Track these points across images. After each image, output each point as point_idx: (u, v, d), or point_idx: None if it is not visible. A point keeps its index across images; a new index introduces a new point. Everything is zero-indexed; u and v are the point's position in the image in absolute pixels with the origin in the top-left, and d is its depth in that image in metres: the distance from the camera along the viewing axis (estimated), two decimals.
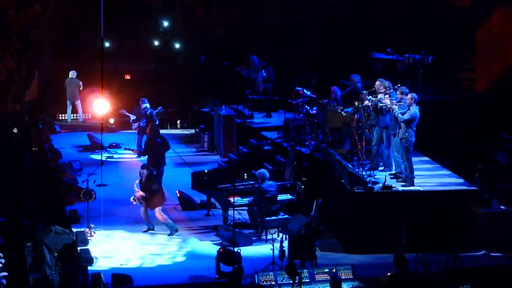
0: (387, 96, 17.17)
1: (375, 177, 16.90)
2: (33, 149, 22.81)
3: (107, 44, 27.82)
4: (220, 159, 22.96)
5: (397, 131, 16.68)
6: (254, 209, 16.99)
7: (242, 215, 18.01)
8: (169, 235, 17.14)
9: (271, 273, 13.36)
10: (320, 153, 18.76)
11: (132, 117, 23.45)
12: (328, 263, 14.62)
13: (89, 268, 14.73)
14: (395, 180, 16.95)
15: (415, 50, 21.94)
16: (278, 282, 13.11)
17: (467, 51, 23.70)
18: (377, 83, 17.66)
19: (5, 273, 12.95)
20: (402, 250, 13.26)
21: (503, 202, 17.23)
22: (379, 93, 17.37)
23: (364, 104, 17.31)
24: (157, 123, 22.40)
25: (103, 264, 15.46)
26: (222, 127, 23.40)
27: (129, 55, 29.60)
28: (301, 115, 20.66)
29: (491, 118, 20.75)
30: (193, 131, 27.15)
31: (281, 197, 17.24)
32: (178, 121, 28.43)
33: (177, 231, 17.26)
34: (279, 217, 16.80)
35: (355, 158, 17.70)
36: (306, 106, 20.36)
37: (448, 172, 17.75)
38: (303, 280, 12.87)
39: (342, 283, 12.74)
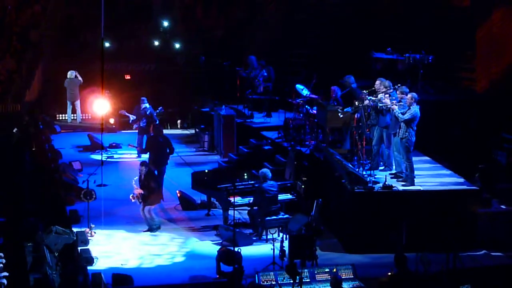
0: (387, 95, 17.18)
1: (376, 176, 16.91)
2: (33, 149, 22.80)
3: (107, 44, 27.82)
4: (220, 159, 22.97)
5: (398, 130, 16.68)
6: (255, 209, 16.99)
7: (242, 215, 18.02)
8: (145, 231, 17.17)
9: (271, 273, 13.36)
10: (320, 152, 18.76)
11: (132, 117, 23.45)
12: (329, 263, 14.61)
13: (90, 268, 14.74)
14: (395, 179, 16.96)
15: (415, 50, 21.95)
16: (279, 282, 13.12)
17: (467, 51, 23.70)
18: (377, 82, 17.67)
19: (5, 273, 12.96)
20: (403, 250, 13.26)
21: (503, 202, 17.24)
22: (380, 93, 17.37)
23: (364, 103, 17.32)
24: (157, 123, 22.41)
25: (104, 264, 15.46)
26: (222, 127, 23.41)
27: (129, 55, 29.59)
28: (301, 114, 20.66)
29: (491, 118, 20.76)
30: (193, 131, 27.15)
31: (281, 197, 17.24)
32: (178, 121, 28.41)
33: (159, 228, 17.28)
34: (280, 217, 16.80)
35: (355, 157, 17.71)
36: (306, 106, 20.36)
37: (449, 172, 17.75)
38: (303, 280, 12.86)
39: (343, 283, 12.74)
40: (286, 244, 14.73)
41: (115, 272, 14.36)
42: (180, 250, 16.49)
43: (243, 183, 17.67)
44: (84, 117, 27.98)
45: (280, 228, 16.78)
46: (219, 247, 15.56)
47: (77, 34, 29.77)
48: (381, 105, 17.07)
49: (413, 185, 16.61)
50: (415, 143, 16.67)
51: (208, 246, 16.57)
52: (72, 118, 27.78)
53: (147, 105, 22.87)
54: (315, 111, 19.96)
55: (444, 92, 22.50)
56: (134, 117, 23.25)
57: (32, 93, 28.09)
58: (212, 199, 18.67)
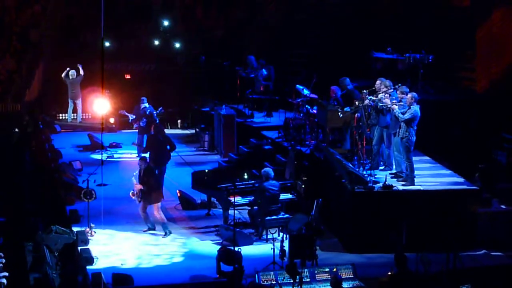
0: (387, 95, 17.18)
1: (376, 176, 16.91)
2: (33, 149, 22.81)
3: (107, 44, 27.84)
4: (221, 159, 22.97)
5: (398, 130, 16.68)
6: (255, 208, 16.99)
7: (242, 214, 18.02)
8: (164, 236, 17.12)
9: (271, 273, 13.36)
10: (320, 152, 18.76)
11: (131, 117, 23.44)
12: (329, 262, 14.62)
13: (90, 267, 14.74)
14: (395, 179, 16.96)
15: (416, 49, 21.96)
16: (279, 282, 13.12)
17: (467, 51, 23.71)
18: (378, 82, 17.67)
19: (5, 273, 12.96)
20: (403, 250, 13.25)
21: (503, 202, 17.24)
22: (380, 93, 17.37)
23: (365, 103, 17.32)
24: (157, 122, 22.39)
25: (104, 264, 15.46)
26: (223, 127, 23.41)
27: (129, 55, 29.60)
28: (302, 114, 20.66)
29: (491, 118, 20.76)
30: (193, 130, 27.15)
31: (281, 196, 17.23)
32: (179, 121, 28.42)
33: (170, 233, 17.24)
34: (280, 216, 16.80)
35: (355, 157, 17.70)
36: (307, 106, 20.37)
37: (449, 172, 17.75)
38: (303, 280, 12.86)
39: (343, 283, 12.73)
40: (286, 243, 14.73)
41: (115, 272, 14.36)
42: (180, 250, 16.49)
43: (243, 182, 17.67)
44: (84, 117, 27.98)
45: (280, 228, 16.78)
46: (219, 246, 15.56)
47: (77, 34, 29.78)
48: (381, 104, 17.08)
49: (413, 185, 16.61)
50: (415, 143, 16.67)
51: (208, 246, 16.57)
52: (72, 117, 27.78)
53: (147, 104, 22.86)
54: (315, 111, 19.96)
55: (444, 92, 22.50)
56: (134, 116, 23.25)
57: (32, 93, 28.09)
58: (212, 198, 18.67)
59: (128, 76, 28.95)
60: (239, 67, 25.00)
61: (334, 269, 13.35)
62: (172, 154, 20.05)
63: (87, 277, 13.78)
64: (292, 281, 12.69)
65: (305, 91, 20.49)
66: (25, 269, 14.17)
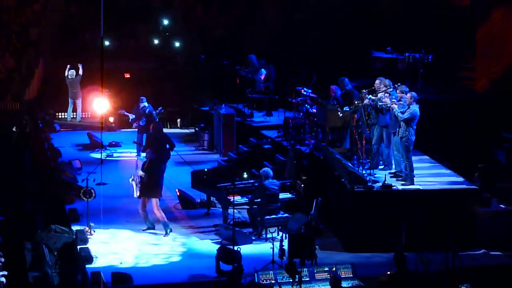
0: (387, 95, 17.17)
1: (375, 176, 16.90)
2: (32, 148, 22.80)
3: (106, 43, 27.83)
4: (220, 158, 22.96)
5: (397, 130, 16.68)
6: (254, 208, 16.99)
7: (242, 214, 18.01)
8: (164, 235, 17.11)
9: (271, 272, 13.33)
10: (320, 152, 18.76)
11: (131, 116, 23.45)
12: (328, 262, 14.61)
13: (89, 266, 14.73)
14: (395, 179, 16.96)
15: (415, 49, 21.96)
16: (278, 281, 13.10)
17: (467, 51, 23.72)
18: (377, 82, 17.67)
19: (4, 272, 12.95)
20: (402, 249, 13.26)
21: (503, 201, 17.24)
22: (379, 92, 17.37)
23: (364, 103, 17.32)
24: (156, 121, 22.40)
25: (103, 263, 15.45)
26: (222, 126, 23.40)
27: (129, 54, 29.60)
28: (301, 114, 20.67)
29: (491, 117, 20.76)
30: (193, 130, 27.15)
31: (281, 196, 17.22)
32: (178, 120, 28.42)
33: (171, 231, 17.24)
34: (279, 216, 16.80)
35: (355, 157, 17.69)
36: (306, 105, 20.36)
37: (448, 171, 17.75)
38: (303, 279, 12.86)
39: (342, 282, 12.73)
40: (285, 243, 14.74)
41: (114, 271, 14.35)
42: (180, 249, 16.47)
43: (243, 182, 17.66)
44: (83, 116, 27.98)
45: (280, 227, 16.77)
46: (218, 246, 15.54)
47: (76, 33, 29.78)
48: (381, 104, 17.07)
49: (413, 184, 16.61)
50: (415, 143, 16.67)
51: (208, 245, 16.56)
52: (72, 116, 27.78)
53: (146, 104, 22.86)
54: (315, 110, 19.96)
55: (444, 92, 22.52)
56: (133, 116, 23.25)
57: (31, 92, 28.09)
58: (211, 198, 18.66)
59: (127, 75, 28.94)
60: (239, 67, 25.00)
61: (334, 269, 13.34)
62: (171, 153, 20.04)
63: (87, 276, 13.78)
64: (291, 280, 12.69)
65: (305, 91, 20.49)
66: (24, 268, 14.16)
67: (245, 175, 17.97)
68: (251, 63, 24.30)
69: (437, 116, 20.21)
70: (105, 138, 24.08)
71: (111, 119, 26.79)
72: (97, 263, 15.33)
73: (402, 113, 16.39)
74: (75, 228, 16.66)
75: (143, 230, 17.45)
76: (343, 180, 16.70)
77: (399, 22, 24.74)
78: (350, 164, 17.23)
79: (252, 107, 24.26)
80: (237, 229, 16.03)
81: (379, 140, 17.52)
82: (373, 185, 16.33)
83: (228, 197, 17.16)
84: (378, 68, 22.37)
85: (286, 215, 16.84)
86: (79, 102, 27.53)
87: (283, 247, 14.59)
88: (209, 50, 29.06)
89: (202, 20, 30.90)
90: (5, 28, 29.46)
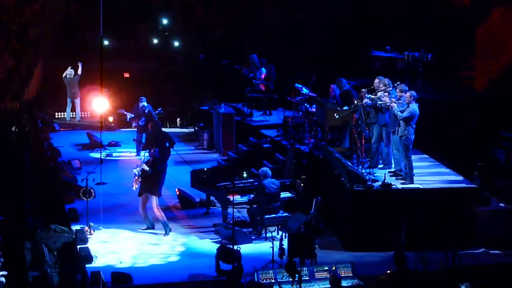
0: (386, 94, 17.17)
1: (375, 175, 16.90)
2: (32, 147, 22.79)
3: (106, 43, 27.83)
4: (220, 157, 22.97)
5: (397, 129, 16.68)
6: (254, 207, 16.99)
7: (241, 213, 18.01)
8: (164, 234, 17.11)
9: (270, 271, 13.32)
10: (319, 151, 18.76)
11: (130, 115, 23.46)
12: (328, 261, 14.58)
13: (89, 266, 14.73)
14: (394, 178, 16.96)
15: (415, 48, 21.96)
16: (278, 280, 13.10)
17: (467, 50, 23.72)
18: (376, 81, 17.67)
19: (4, 272, 12.95)
20: (402, 248, 13.26)
21: (503, 200, 17.23)
22: (379, 91, 17.37)
23: (364, 102, 17.32)
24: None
25: (103, 263, 15.46)
26: (222, 125, 23.41)
27: (128, 53, 29.61)
28: (301, 113, 20.67)
29: (490, 116, 20.76)
30: (192, 129, 27.15)
31: (280, 195, 17.22)
32: (178, 120, 28.42)
33: (171, 230, 17.24)
34: (279, 215, 16.80)
35: (354, 156, 17.70)
36: (305, 104, 20.36)
37: (448, 170, 17.75)
38: (302, 278, 12.85)
39: (342, 281, 12.74)
40: (285, 242, 14.73)
41: (114, 271, 14.35)
42: (179, 249, 16.47)
43: (242, 181, 17.66)
44: (83, 115, 27.98)
45: (280, 226, 16.78)
46: (218, 245, 15.53)
47: (76, 32, 29.78)
48: (380, 103, 17.07)
49: (412, 183, 16.61)
50: (414, 141, 16.67)
51: (207, 245, 16.56)
52: (71, 116, 27.78)
53: (145, 103, 22.87)
54: (314, 110, 19.96)
55: (443, 91, 22.51)
56: (133, 115, 23.26)
57: (31, 92, 28.10)
58: (211, 197, 18.66)
59: (127, 75, 28.94)
60: (238, 66, 24.99)
61: (333, 268, 13.33)
62: (171, 152, 20.06)
63: (86, 276, 13.77)
64: (291, 279, 12.69)
65: (304, 90, 20.50)
66: (24, 267, 14.16)
67: (245, 175, 17.97)
68: (252, 62, 24.31)
69: (436, 115, 20.21)
70: (105, 138, 24.08)
71: (111, 119, 26.79)
72: (97, 263, 15.33)
73: (402, 112, 16.39)
74: (74, 227, 16.66)
75: (143, 229, 17.45)
76: (342, 179, 16.70)
77: (399, 22, 24.73)
78: (349, 163, 17.23)
79: (251, 107, 24.27)
80: (236, 228, 16.02)
81: (378, 139, 17.52)
82: (372, 184, 16.33)
83: (227, 197, 17.16)
84: (378, 67, 22.37)
85: (285, 214, 16.84)
86: (77, 101, 27.52)
87: (283, 246, 14.59)
88: (209, 50, 29.05)
89: (201, 20, 30.90)
90: (4, 28, 29.48)
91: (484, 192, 17.05)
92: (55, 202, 18.02)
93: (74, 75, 27.23)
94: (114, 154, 24.02)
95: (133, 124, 23.32)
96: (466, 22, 23.54)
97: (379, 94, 17.26)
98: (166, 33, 30.45)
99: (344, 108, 18.22)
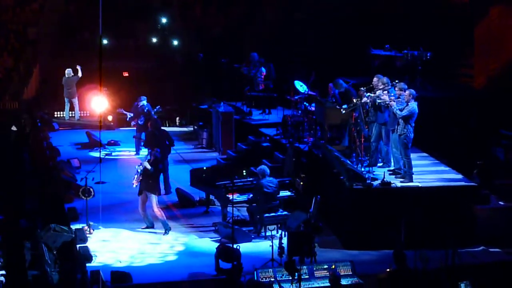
0: (385, 92, 17.17)
1: (374, 173, 16.89)
2: (31, 147, 22.79)
3: (105, 42, 27.81)
4: (219, 156, 22.97)
5: (396, 127, 16.67)
6: (253, 206, 16.99)
7: (241, 212, 18.01)
8: (164, 234, 17.11)
9: (270, 270, 13.35)
10: (318, 149, 18.76)
11: (129, 115, 23.46)
12: (327, 259, 14.60)
13: (88, 265, 14.74)
14: (393, 176, 16.96)
15: (414, 46, 21.95)
16: (278, 279, 13.11)
17: (466, 48, 23.71)
18: (375, 79, 17.66)
19: (3, 272, 12.96)
20: (401, 247, 13.26)
21: (502, 198, 17.23)
22: (377, 90, 17.37)
23: (363, 100, 17.32)
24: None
25: (102, 262, 15.46)
26: (221, 124, 23.40)
27: (128, 53, 29.60)
28: (300, 111, 20.66)
29: (489, 114, 20.76)
30: (191, 128, 27.15)
31: (280, 193, 17.23)
32: (177, 118, 28.42)
33: (170, 229, 17.24)
34: (278, 213, 16.81)
35: (353, 154, 17.70)
36: (305, 103, 20.35)
37: (447, 168, 17.75)
38: (302, 277, 12.88)
39: (341, 279, 12.76)
40: (285, 241, 14.74)
41: (113, 270, 14.36)
42: (179, 247, 16.48)
43: (242, 180, 17.66)
44: (82, 115, 27.97)
45: (279, 225, 16.78)
46: (218, 244, 15.54)
47: (75, 32, 29.77)
48: (379, 101, 17.07)
49: (412, 181, 16.61)
50: (414, 140, 16.67)
51: (207, 243, 16.57)
52: (70, 115, 27.77)
53: (145, 102, 22.86)
54: (313, 108, 19.96)
55: (443, 89, 22.50)
56: (132, 114, 23.26)
57: (30, 91, 28.10)
58: (210, 196, 18.65)
59: (126, 74, 28.94)
60: (237, 65, 24.99)
61: (333, 266, 13.34)
62: (171, 151, 20.08)
63: (86, 275, 13.77)
64: (290, 278, 12.70)
65: (304, 88, 20.49)
66: (23, 267, 14.16)
67: (244, 173, 17.97)
68: (252, 60, 24.30)
69: (435, 114, 20.20)
70: (104, 137, 24.09)
71: (110, 118, 26.77)
72: (96, 262, 15.33)
73: (401, 110, 16.39)
74: (74, 227, 16.66)
75: (142, 228, 17.46)
76: (342, 177, 16.71)
77: (399, 22, 24.71)
78: (349, 162, 17.24)
79: (250, 105, 24.27)
80: (236, 227, 16.02)
81: (377, 138, 17.52)
82: (372, 182, 16.33)
83: (227, 195, 17.16)
84: (376, 66, 22.36)
85: (285, 213, 16.85)
86: (75, 101, 27.50)
87: (282, 245, 14.59)
88: (208, 49, 29.05)
89: (200, 19, 30.89)
90: (3, 27, 29.47)
91: (483, 190, 17.04)
92: (55, 201, 18.03)
93: (73, 75, 27.20)
94: (113, 153, 24.01)
95: (132, 123, 23.32)
96: (465, 20, 23.52)
97: (378, 92, 17.26)
98: (165, 32, 30.44)
99: (344, 106, 18.22)
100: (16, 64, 28.63)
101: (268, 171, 16.90)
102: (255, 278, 13.14)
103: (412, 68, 21.89)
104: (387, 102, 16.87)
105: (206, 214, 18.56)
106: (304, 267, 13.36)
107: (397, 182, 16.58)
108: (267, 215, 16.67)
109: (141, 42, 30.50)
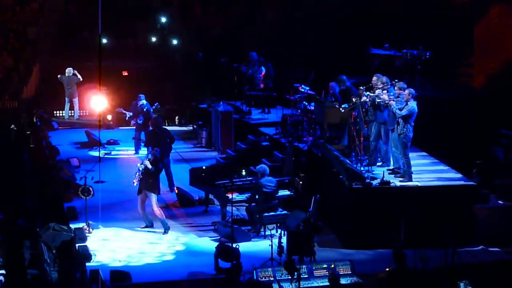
0: (385, 91, 17.17)
1: (373, 172, 16.90)
2: (31, 146, 22.79)
3: (104, 41, 27.81)
4: (218, 155, 22.96)
5: (395, 126, 16.68)
6: (252, 205, 16.99)
7: (240, 211, 18.00)
8: (163, 233, 17.11)
9: (269, 269, 13.34)
10: (318, 149, 18.76)
11: (128, 114, 23.45)
12: (327, 258, 14.60)
13: (88, 264, 14.73)
14: (393, 175, 16.96)
15: (413, 46, 21.95)
16: (277, 278, 13.10)
17: (465, 47, 23.71)
18: (374, 78, 17.67)
19: (3, 271, 12.96)
20: (401, 246, 13.25)
21: (501, 197, 17.23)
22: (377, 89, 17.37)
23: (362, 100, 17.31)
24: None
25: (101, 261, 15.45)
26: (220, 123, 23.40)
27: (127, 52, 29.60)
28: (299, 111, 20.65)
29: (489, 114, 20.76)
30: (191, 127, 27.15)
31: (279, 193, 17.23)
32: (176, 118, 28.42)
33: (169, 229, 17.23)
34: (278, 213, 16.81)
35: (353, 153, 17.69)
36: (304, 102, 20.34)
37: (446, 168, 17.76)
38: (301, 276, 12.86)
39: (341, 279, 12.74)
40: (284, 240, 14.75)
41: (113, 269, 14.36)
42: (178, 247, 16.48)
43: (241, 179, 17.65)
44: (81, 114, 27.96)
45: (278, 224, 16.78)
46: (217, 243, 15.55)
47: (74, 31, 29.77)
48: (379, 100, 17.07)
49: (411, 181, 16.61)
50: (413, 139, 16.67)
51: (206, 243, 16.56)
52: (70, 114, 27.76)
53: (144, 101, 22.86)
54: (313, 107, 19.95)
55: (442, 88, 22.50)
56: (131, 113, 23.25)
57: (29, 91, 28.09)
58: (210, 195, 18.65)
59: (125, 73, 28.94)
60: (237, 64, 24.99)
61: (332, 265, 13.34)
62: (172, 149, 20.09)
63: (85, 274, 13.77)
64: (290, 277, 12.69)
65: (303, 88, 20.49)
66: (23, 266, 14.15)
67: (243, 173, 17.97)
68: (252, 60, 24.29)
69: (435, 113, 20.20)
70: (103, 136, 24.06)
71: (109, 117, 26.77)
72: (95, 261, 15.32)
73: (400, 109, 16.39)
74: (73, 226, 16.66)
75: (142, 228, 17.46)
76: (341, 177, 16.71)
77: (399, 21, 24.70)
78: (348, 161, 17.23)
79: (250, 105, 24.26)
80: (235, 226, 16.02)
81: (377, 137, 17.52)
82: (371, 181, 16.33)
83: (226, 195, 17.16)
84: (376, 65, 22.36)
85: (284, 212, 16.85)
86: (75, 100, 27.49)
87: (282, 244, 14.60)
88: (207, 48, 29.04)
89: (200, 19, 30.88)
90: (3, 27, 29.46)
91: (483, 189, 17.05)
92: (54, 200, 18.03)
93: (73, 74, 27.18)
94: (112, 153, 24.02)
95: (132, 122, 23.31)
96: (465, 20, 23.53)
97: (377, 91, 17.26)
98: (165, 32, 30.44)
99: (343, 105, 18.22)
100: (16, 64, 28.63)
101: (268, 170, 16.90)
102: (255, 278, 13.13)
103: (412, 67, 21.90)
104: (386, 102, 16.87)
105: (206, 213, 18.56)
106: (303, 266, 13.35)
107: (397, 182, 16.58)
108: (266, 214, 16.67)
109: (140, 41, 30.50)
